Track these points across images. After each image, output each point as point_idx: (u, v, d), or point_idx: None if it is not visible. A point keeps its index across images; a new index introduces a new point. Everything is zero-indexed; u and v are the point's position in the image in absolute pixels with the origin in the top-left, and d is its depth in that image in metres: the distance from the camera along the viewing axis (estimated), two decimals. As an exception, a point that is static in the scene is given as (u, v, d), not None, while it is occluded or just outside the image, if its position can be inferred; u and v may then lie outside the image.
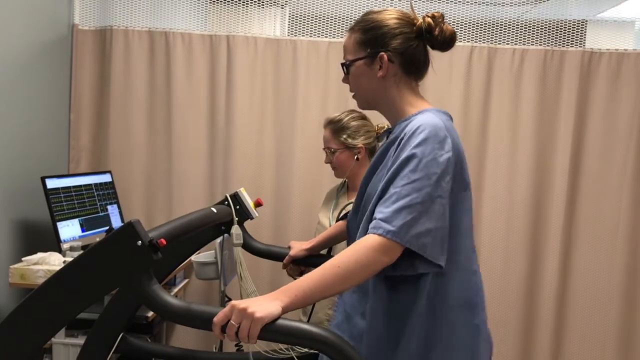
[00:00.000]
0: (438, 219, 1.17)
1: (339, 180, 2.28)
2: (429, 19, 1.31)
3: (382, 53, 1.30)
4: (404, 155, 1.20)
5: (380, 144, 1.88)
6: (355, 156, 2.08)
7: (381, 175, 1.27)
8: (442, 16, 1.32)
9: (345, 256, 1.14)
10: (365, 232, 1.20)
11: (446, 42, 1.32)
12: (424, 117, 1.26)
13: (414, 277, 1.24)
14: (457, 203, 1.25)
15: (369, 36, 1.32)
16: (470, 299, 1.31)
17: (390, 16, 1.32)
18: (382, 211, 1.17)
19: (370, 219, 1.21)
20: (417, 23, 1.31)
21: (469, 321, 1.30)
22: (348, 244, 1.46)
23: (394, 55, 1.30)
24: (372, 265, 1.14)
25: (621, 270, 2.82)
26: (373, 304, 1.30)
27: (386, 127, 2.08)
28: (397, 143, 1.26)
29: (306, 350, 1.61)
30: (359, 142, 2.08)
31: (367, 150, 2.10)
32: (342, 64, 1.37)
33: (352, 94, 1.41)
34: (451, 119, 1.35)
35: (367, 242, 1.15)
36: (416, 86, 1.37)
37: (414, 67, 1.33)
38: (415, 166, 1.17)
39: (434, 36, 1.31)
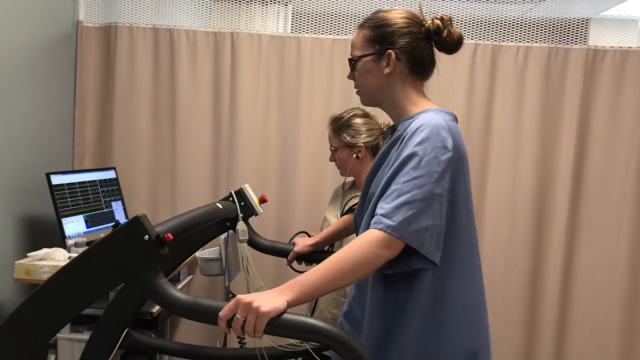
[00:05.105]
0: (436, 217, 1.19)
1: (342, 178, 2.28)
2: (437, 21, 1.33)
3: (390, 50, 1.32)
4: (405, 153, 1.22)
5: (384, 141, 1.88)
6: (355, 154, 2.06)
7: (384, 173, 1.29)
8: (451, 19, 1.34)
9: (349, 250, 1.16)
10: (367, 228, 1.21)
11: (453, 45, 1.34)
12: (426, 116, 1.28)
13: (411, 275, 1.25)
14: (454, 203, 1.26)
15: (378, 33, 1.34)
16: (468, 298, 1.31)
17: (399, 15, 1.34)
18: (383, 207, 1.19)
19: (373, 215, 1.22)
20: (426, 24, 1.34)
21: (467, 321, 1.30)
22: None
23: (401, 53, 1.32)
24: (374, 259, 1.16)
25: (625, 271, 2.82)
26: (371, 301, 1.32)
27: (385, 125, 2.07)
28: (399, 141, 1.27)
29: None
30: (360, 140, 2.06)
31: (368, 149, 2.08)
32: (350, 60, 1.39)
33: (356, 90, 1.42)
34: (456, 119, 1.36)
35: (369, 237, 1.17)
36: (421, 86, 1.39)
37: (420, 67, 1.35)
38: (416, 164, 1.19)
39: (442, 38, 1.33)
